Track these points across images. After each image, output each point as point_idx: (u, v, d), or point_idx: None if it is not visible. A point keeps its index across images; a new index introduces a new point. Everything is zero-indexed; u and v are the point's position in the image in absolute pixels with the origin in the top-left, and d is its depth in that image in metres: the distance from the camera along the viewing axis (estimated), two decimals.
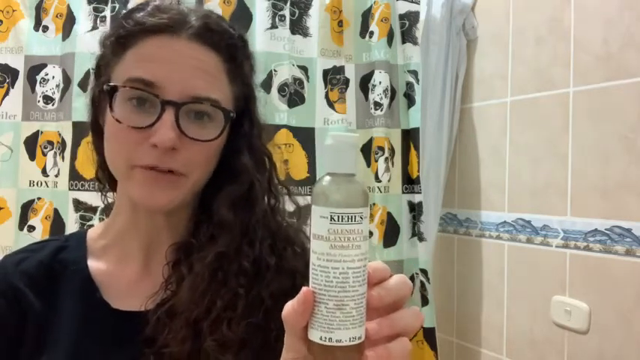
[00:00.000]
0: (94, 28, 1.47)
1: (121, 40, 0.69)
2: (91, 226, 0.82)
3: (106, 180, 0.79)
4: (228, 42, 0.70)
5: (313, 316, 0.45)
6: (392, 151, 1.66)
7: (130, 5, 0.71)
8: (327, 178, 0.46)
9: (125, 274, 0.72)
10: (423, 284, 1.62)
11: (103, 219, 0.83)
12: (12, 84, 1.51)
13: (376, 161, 1.63)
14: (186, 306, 0.65)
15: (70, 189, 1.44)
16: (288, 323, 0.46)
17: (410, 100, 1.70)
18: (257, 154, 0.74)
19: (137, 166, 0.65)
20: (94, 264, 0.73)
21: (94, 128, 0.75)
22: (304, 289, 0.45)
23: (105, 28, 0.76)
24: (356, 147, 0.47)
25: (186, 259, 0.69)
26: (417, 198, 1.68)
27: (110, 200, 0.81)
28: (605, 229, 1.22)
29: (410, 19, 1.71)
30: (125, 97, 0.66)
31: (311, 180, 1.54)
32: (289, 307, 0.46)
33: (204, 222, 0.71)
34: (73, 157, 1.43)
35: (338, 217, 0.44)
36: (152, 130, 0.64)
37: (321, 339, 0.45)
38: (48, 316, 0.69)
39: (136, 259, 0.73)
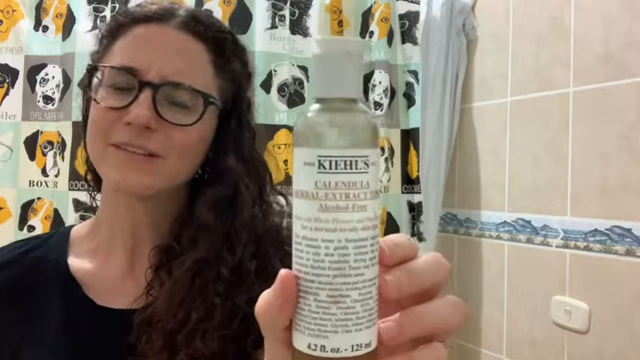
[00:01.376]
0: (94, 28, 1.47)
1: (111, 31, 0.70)
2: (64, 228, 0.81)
3: (93, 180, 0.78)
4: (215, 34, 0.70)
5: (298, 313, 0.32)
6: (391, 151, 1.66)
7: (130, 5, 0.72)
8: (316, 106, 0.32)
9: (108, 273, 0.71)
10: None
11: None
12: (12, 84, 1.52)
13: None
14: (163, 315, 0.63)
15: (69, 189, 1.44)
16: (263, 322, 0.33)
17: (410, 100, 1.71)
18: (247, 157, 0.72)
19: (110, 144, 0.65)
20: (75, 262, 0.72)
21: (85, 127, 0.74)
22: (283, 271, 0.32)
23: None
24: (360, 57, 0.32)
25: (168, 263, 0.68)
26: (416, 198, 1.68)
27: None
28: (605, 229, 1.22)
29: (410, 19, 1.71)
30: (107, 83, 0.66)
31: None
32: (263, 299, 0.33)
33: (187, 225, 0.70)
34: (73, 157, 1.44)
35: (330, 162, 0.31)
36: (128, 110, 0.64)
37: (309, 347, 0.31)
38: (24, 314, 0.68)
39: (120, 257, 0.72)
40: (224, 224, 0.68)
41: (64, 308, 0.68)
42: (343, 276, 0.31)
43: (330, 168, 0.31)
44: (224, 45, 0.71)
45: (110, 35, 0.70)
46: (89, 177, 0.78)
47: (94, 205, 0.80)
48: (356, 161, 0.31)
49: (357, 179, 0.31)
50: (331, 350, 0.31)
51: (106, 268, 0.72)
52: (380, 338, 0.32)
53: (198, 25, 0.69)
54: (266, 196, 0.74)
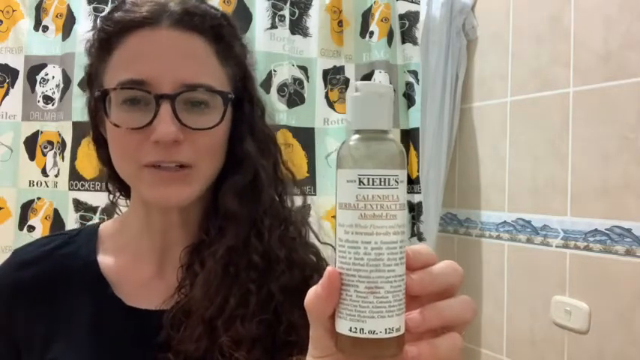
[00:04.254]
0: (94, 28, 1.47)
1: (103, 43, 0.67)
2: (91, 225, 0.81)
3: (117, 189, 0.77)
4: (211, 23, 0.68)
5: (341, 303, 0.39)
6: None
7: (114, 10, 0.69)
8: (355, 136, 0.41)
9: (138, 273, 0.71)
10: None
11: (103, 219, 0.82)
12: (12, 84, 1.52)
13: None
14: (200, 304, 0.64)
15: (70, 189, 1.44)
16: (311, 312, 0.40)
17: (410, 100, 1.70)
18: (261, 137, 0.72)
19: (144, 165, 0.64)
20: (104, 260, 0.72)
21: (96, 140, 0.73)
22: (329, 269, 0.39)
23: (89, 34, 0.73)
24: (390, 99, 0.41)
25: (199, 257, 0.68)
26: (416, 198, 1.68)
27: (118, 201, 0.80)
28: (605, 229, 1.22)
29: (410, 19, 1.71)
30: (118, 101, 0.65)
31: (310, 180, 1.54)
32: (312, 293, 0.40)
33: (213, 215, 0.70)
34: (73, 157, 1.43)
35: (368, 179, 0.39)
36: (152, 128, 0.63)
37: (350, 330, 0.38)
38: (54, 311, 0.69)
39: (150, 259, 0.72)
40: (249, 211, 0.69)
41: (93, 307, 0.68)
42: (378, 271, 0.38)
43: (368, 184, 0.39)
44: (222, 31, 0.69)
45: (103, 48, 0.68)
46: (111, 185, 0.77)
47: (118, 211, 0.80)
48: (388, 179, 0.39)
49: (390, 193, 0.39)
50: (368, 332, 0.38)
51: (135, 269, 0.72)
52: (406, 327, 0.39)
53: (193, 18, 0.66)
54: (280, 174, 0.74)
